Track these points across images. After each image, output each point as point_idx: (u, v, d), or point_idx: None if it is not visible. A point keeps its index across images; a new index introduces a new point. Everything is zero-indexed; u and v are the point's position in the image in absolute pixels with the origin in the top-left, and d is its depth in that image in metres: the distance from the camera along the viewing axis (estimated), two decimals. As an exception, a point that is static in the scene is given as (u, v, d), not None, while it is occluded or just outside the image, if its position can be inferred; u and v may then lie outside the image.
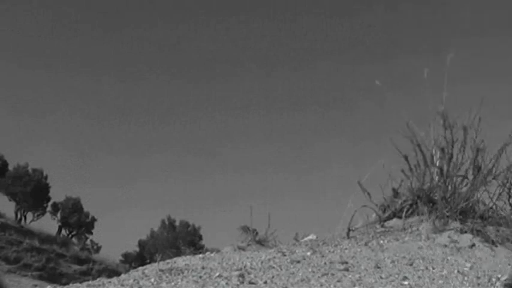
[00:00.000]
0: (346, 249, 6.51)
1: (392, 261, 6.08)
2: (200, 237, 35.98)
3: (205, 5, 62.78)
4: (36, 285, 24.76)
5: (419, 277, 5.69)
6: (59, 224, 36.48)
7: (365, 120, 54.38)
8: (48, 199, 36.23)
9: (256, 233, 7.45)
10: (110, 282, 5.78)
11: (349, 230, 7.01)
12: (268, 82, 60.82)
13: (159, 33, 58.98)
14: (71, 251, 32.73)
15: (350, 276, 5.65)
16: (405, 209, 7.22)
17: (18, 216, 34.66)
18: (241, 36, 60.26)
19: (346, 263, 5.99)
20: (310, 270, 5.81)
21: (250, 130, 58.06)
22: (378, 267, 5.91)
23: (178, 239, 32.93)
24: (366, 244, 6.61)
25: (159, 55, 59.03)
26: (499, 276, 5.78)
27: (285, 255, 6.30)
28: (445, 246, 6.46)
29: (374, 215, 7.35)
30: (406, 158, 7.28)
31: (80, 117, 57.45)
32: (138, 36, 60.37)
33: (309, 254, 6.34)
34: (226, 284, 5.40)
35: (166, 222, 37.24)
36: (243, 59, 60.19)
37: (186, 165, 55.85)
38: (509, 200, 7.25)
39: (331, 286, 5.41)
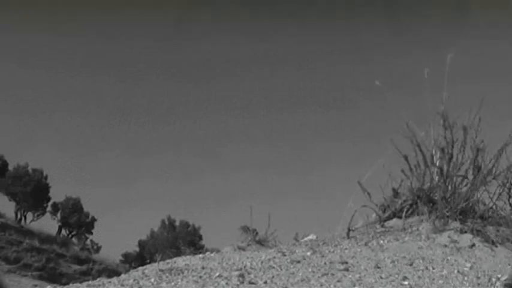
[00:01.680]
0: (346, 249, 6.51)
1: (392, 261, 6.08)
2: (200, 237, 35.99)
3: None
4: (36, 285, 24.77)
5: (419, 277, 5.69)
6: (59, 224, 36.50)
7: (365, 120, 54.33)
8: (48, 199, 36.26)
9: (256, 233, 7.46)
10: (110, 282, 5.78)
11: (349, 230, 7.01)
12: (268, 82, 60.81)
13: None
14: (71, 251, 32.74)
15: (350, 276, 5.65)
16: (405, 209, 7.22)
17: (18, 216, 34.69)
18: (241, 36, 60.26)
19: (346, 263, 5.99)
20: (310, 270, 5.81)
21: (250, 130, 58.04)
22: (378, 267, 5.91)
23: (178, 239, 32.95)
24: (366, 244, 6.61)
25: (159, 55, 59.01)
26: (499, 276, 5.78)
27: (285, 255, 6.30)
28: (445, 246, 6.46)
29: (374, 215, 7.35)
30: (406, 158, 7.29)
31: (80, 117, 57.45)
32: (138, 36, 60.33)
33: (309, 254, 6.35)
34: (226, 284, 5.40)
35: (166, 222, 37.26)
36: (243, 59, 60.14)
37: (186, 165, 55.84)
38: (509, 200, 7.26)
39: (331, 286, 5.42)
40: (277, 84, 62.70)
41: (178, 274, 5.80)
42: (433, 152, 7.25)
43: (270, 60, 60.42)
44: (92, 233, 37.67)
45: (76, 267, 30.86)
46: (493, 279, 5.71)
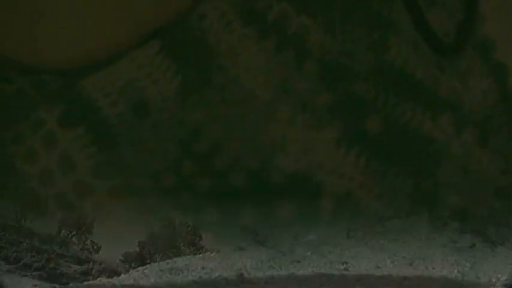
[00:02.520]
0: (346, 249, 6.51)
1: (392, 261, 6.08)
2: (200, 237, 35.99)
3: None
4: (36, 285, 24.78)
5: (419, 277, 5.69)
6: (59, 224, 36.52)
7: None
8: (48, 199, 36.26)
9: (256, 233, 7.44)
10: (110, 282, 5.78)
11: (349, 230, 7.00)
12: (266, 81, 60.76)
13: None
14: (71, 251, 32.76)
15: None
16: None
17: (18, 216, 34.70)
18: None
19: (346, 263, 5.99)
20: (310, 270, 5.81)
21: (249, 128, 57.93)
22: (378, 267, 5.91)
23: (178, 239, 32.94)
24: (366, 244, 6.61)
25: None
26: (499, 276, 5.78)
27: (285, 255, 6.30)
28: (445, 246, 6.46)
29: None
30: (406, 158, 7.28)
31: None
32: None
33: (309, 254, 6.35)
34: (226, 284, 5.40)
35: (166, 222, 37.25)
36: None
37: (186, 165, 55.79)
38: (509, 200, 7.25)
39: (331, 286, 5.41)
40: (276, 83, 62.76)
41: (178, 274, 5.79)
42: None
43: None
44: (92, 233, 37.70)
45: (76, 267, 30.83)
46: (493, 279, 5.70)
